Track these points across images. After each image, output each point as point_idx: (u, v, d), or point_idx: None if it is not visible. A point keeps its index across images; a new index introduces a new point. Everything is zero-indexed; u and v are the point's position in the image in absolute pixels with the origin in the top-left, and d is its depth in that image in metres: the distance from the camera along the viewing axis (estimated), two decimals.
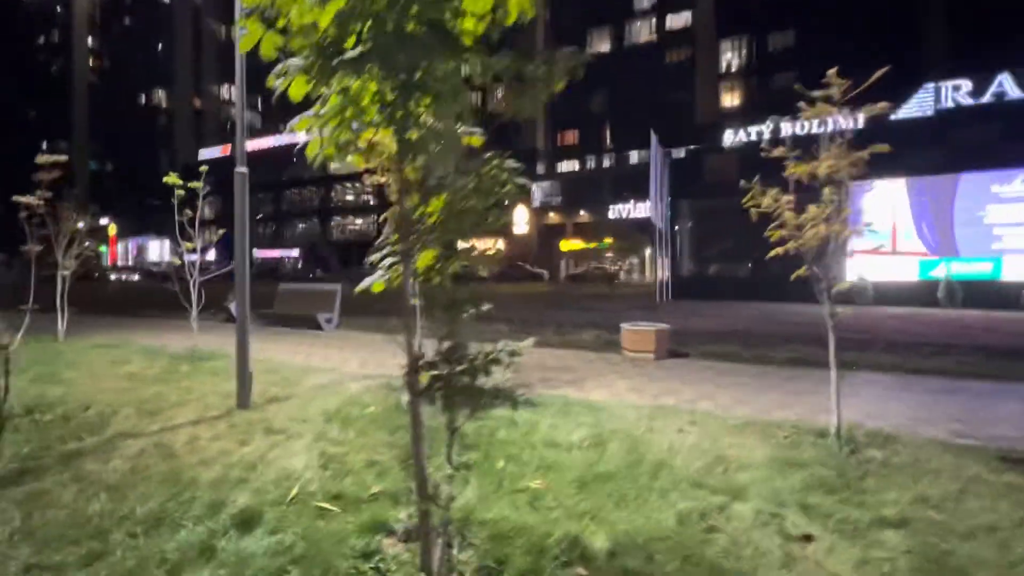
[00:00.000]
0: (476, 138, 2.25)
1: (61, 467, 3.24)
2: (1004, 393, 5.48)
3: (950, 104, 19.13)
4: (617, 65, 42.55)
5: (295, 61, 1.91)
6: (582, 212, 44.47)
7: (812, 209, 3.55)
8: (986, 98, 18.83)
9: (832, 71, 3.38)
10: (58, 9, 68.35)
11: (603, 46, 45.82)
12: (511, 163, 2.08)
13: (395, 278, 2.12)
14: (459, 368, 1.88)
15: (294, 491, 2.84)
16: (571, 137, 48.14)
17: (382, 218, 5.13)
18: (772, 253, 3.87)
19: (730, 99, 42.13)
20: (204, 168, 6.83)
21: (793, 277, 3.82)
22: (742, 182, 3.99)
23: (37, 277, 5.89)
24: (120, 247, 60.01)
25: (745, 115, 33.07)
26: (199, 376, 5.98)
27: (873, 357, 7.29)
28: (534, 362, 6.80)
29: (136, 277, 43.20)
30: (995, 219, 16.53)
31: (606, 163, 46.80)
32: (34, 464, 3.29)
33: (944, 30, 32.43)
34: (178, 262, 7.24)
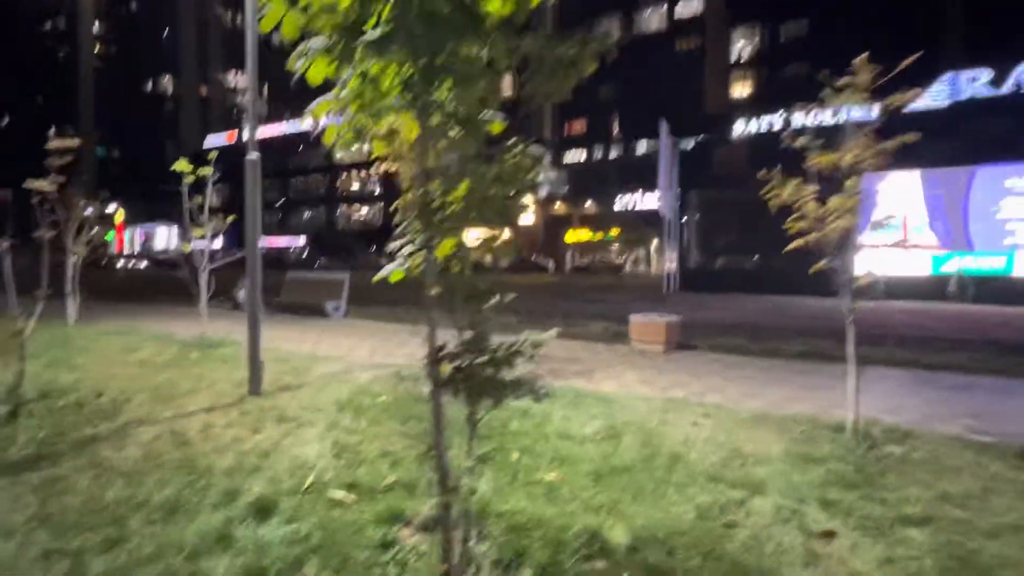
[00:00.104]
0: (498, 124, 2.19)
1: (76, 453, 3.25)
2: (1018, 389, 5.41)
3: (968, 95, 18.75)
4: (626, 54, 42.01)
5: (316, 42, 1.85)
6: (588, 203, 44.23)
7: (835, 200, 3.47)
8: (1005, 89, 18.42)
9: (862, 56, 3.28)
10: None
11: (612, 34, 45.26)
12: (535, 149, 2.02)
13: (414, 267, 2.08)
14: (482, 359, 1.84)
15: (309, 480, 2.83)
16: (579, 127, 47.72)
17: (393, 207, 5.09)
18: (792, 245, 3.80)
19: (740, 89, 41.56)
20: (213, 154, 6.79)
21: (813, 270, 3.75)
22: (761, 172, 3.90)
23: (49, 263, 5.90)
24: (127, 234, 60.27)
25: (755, 106, 32.61)
26: (209, 363, 6.00)
27: (885, 352, 7.21)
28: (542, 352, 6.78)
29: (143, 264, 43.43)
30: (1009, 213, 16.27)
31: (613, 153, 46.40)
32: (49, 450, 3.29)
33: (961, 20, 31.75)
34: (188, 249, 7.22)
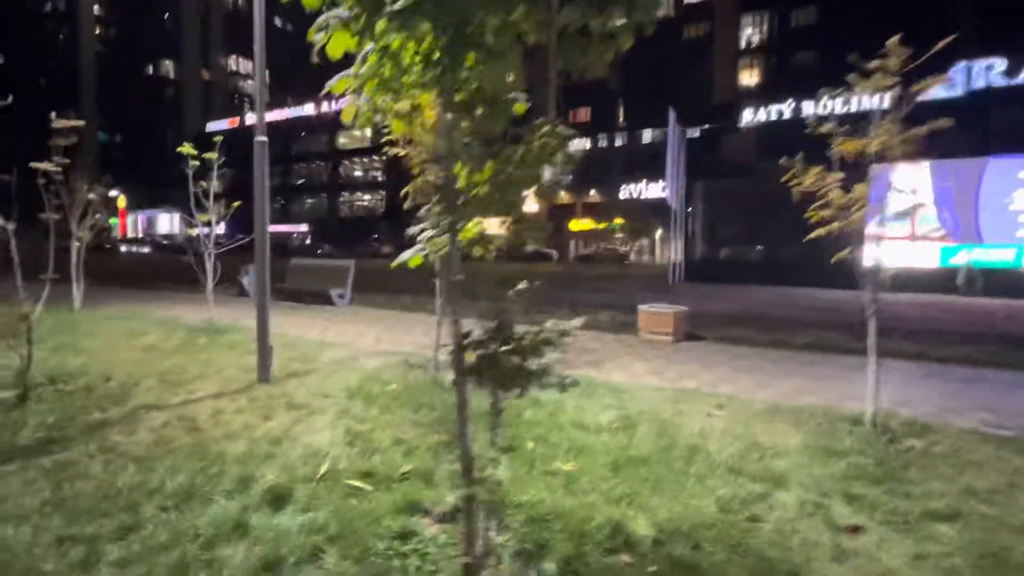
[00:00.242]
0: (521, 104, 2.10)
1: (87, 438, 3.21)
2: None
3: (981, 85, 18.41)
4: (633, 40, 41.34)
5: (336, 13, 1.76)
6: (592, 192, 43.90)
7: (860, 188, 3.37)
8: (1021, 79, 18.07)
9: (894, 39, 3.16)
10: None
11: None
12: (563, 129, 1.94)
13: (435, 252, 2.01)
14: (508, 347, 1.78)
15: (324, 468, 2.79)
16: (583, 115, 47.19)
17: (403, 192, 4.99)
18: (814, 234, 3.71)
19: (748, 77, 40.96)
20: (218, 138, 6.68)
21: (835, 259, 3.66)
22: (782, 159, 3.80)
23: (54, 247, 5.84)
24: (130, 219, 60.17)
25: (764, 94, 32.17)
26: (216, 349, 5.96)
27: (895, 344, 7.14)
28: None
29: (146, 249, 43.42)
30: (1021, 205, 16.07)
31: (618, 142, 45.95)
32: (59, 434, 3.26)
33: (974, 9, 31.13)
34: (194, 233, 7.15)
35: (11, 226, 4.18)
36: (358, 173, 57.75)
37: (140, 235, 56.79)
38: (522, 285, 1.86)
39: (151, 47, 66.63)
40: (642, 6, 1.49)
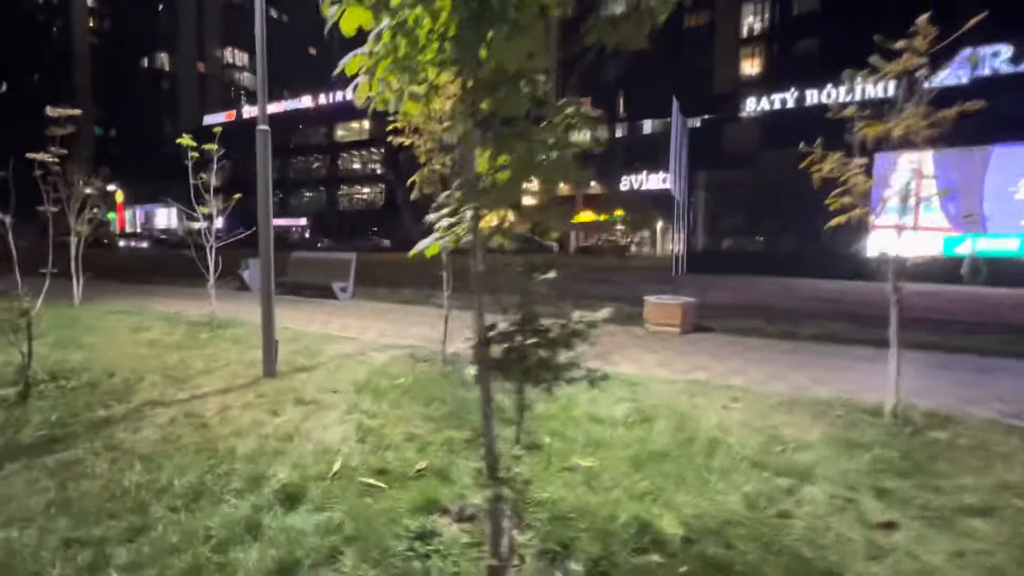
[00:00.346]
0: (542, 84, 1.99)
1: (91, 435, 3.13)
2: None
3: (987, 72, 18.21)
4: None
5: None
6: (592, 183, 43.65)
7: (886, 174, 3.26)
8: None
9: (923, 17, 3.04)
10: None
11: (617, 8, 44.01)
12: (589, 110, 1.83)
13: (455, 240, 1.91)
14: (535, 340, 1.68)
15: (336, 466, 2.71)
16: (584, 105, 46.78)
17: (409, 182, 4.87)
18: (834, 222, 3.62)
19: (750, 66, 40.60)
20: (218, 129, 6.54)
21: (854, 249, 3.57)
22: (801, 145, 3.69)
23: (52, 241, 5.73)
24: (128, 214, 59.88)
25: (766, 83, 31.86)
26: (220, 343, 5.87)
27: (904, 335, 7.07)
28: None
29: (145, 244, 43.23)
30: None
31: (619, 133, 45.63)
32: (63, 432, 3.18)
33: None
34: (195, 227, 7.03)
35: (8, 220, 4.07)
36: (356, 166, 57.41)
37: (138, 230, 56.55)
38: (550, 275, 1.76)
39: (146, 39, 65.96)
40: None
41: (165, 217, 57.57)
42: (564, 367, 1.74)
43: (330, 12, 1.69)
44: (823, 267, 17.31)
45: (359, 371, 4.74)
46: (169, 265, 16.31)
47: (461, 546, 2.03)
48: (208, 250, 6.98)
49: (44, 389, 3.91)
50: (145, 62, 67.81)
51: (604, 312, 1.90)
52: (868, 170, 3.36)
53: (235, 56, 71.09)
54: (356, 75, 1.96)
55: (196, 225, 7.01)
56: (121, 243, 42.10)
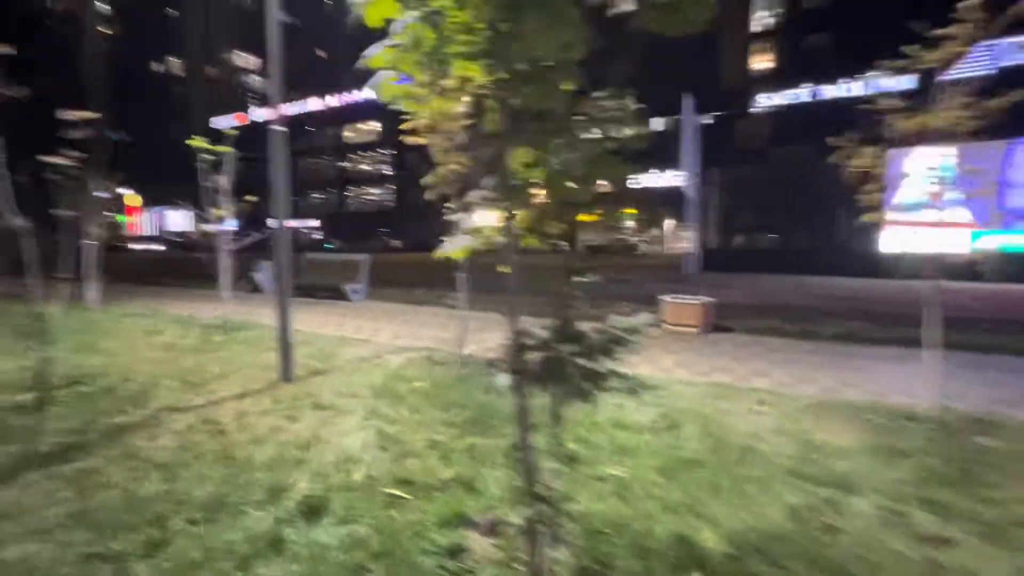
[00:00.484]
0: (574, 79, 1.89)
1: (109, 443, 3.08)
2: None
3: (1010, 62, 17.76)
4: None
5: None
6: (600, 181, 43.40)
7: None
8: None
9: (969, 1, 2.90)
10: None
11: (626, 4, 43.63)
12: (630, 103, 1.73)
13: (485, 241, 1.82)
14: (576, 348, 1.59)
15: (359, 475, 2.63)
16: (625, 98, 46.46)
17: (426, 182, 4.78)
18: (866, 217, 3.48)
19: (761, 62, 40.09)
20: (232, 131, 6.51)
21: (873, 245, 3.43)
22: (830, 139, 3.56)
23: (68, 245, 5.74)
24: (140, 217, 60.58)
25: (777, 78, 31.41)
26: (235, 346, 5.84)
27: (930, 334, 6.87)
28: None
29: (157, 247, 43.69)
30: None
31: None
32: (81, 439, 3.13)
33: None
34: (209, 231, 7.02)
35: (25, 224, 4.05)
36: (366, 167, 57.59)
37: (151, 232, 57.19)
38: (589, 278, 1.66)
39: (157, 45, 66.75)
40: None
41: (179, 220, 58.15)
42: (605, 376, 1.64)
43: (357, 1, 1.60)
44: (838, 264, 17.02)
45: (375, 374, 4.67)
46: (180, 267, 16.42)
47: (494, 563, 1.94)
48: (223, 253, 6.96)
49: (62, 395, 3.87)
50: (155, 67, 68.65)
51: (645, 317, 1.80)
52: (904, 164, 3.21)
53: (245, 60, 71.75)
54: (374, 72, 1.87)
55: (210, 228, 7.00)
56: (135, 246, 42.60)
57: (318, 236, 54.09)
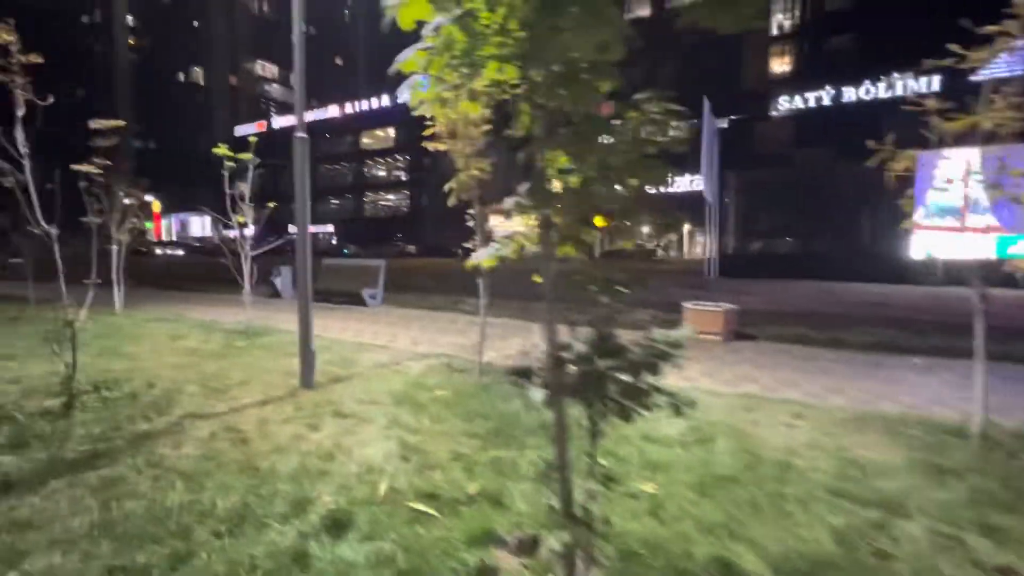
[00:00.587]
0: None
1: (133, 450, 3.07)
2: None
3: None
4: (658, 29, 40.40)
5: None
6: (616, 186, 43.15)
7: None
8: None
9: None
10: None
11: (643, 10, 43.53)
12: (670, 105, 1.65)
13: (517, 250, 1.76)
14: (617, 363, 1.51)
15: (383, 488, 2.57)
16: (607, 108, 46.35)
17: (447, 187, 4.73)
18: (905, 224, 3.33)
19: (780, 64, 39.56)
20: (254, 138, 6.58)
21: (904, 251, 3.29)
22: (870, 142, 3.42)
23: (95, 251, 5.83)
24: (163, 223, 62.02)
25: (797, 81, 30.92)
26: (256, 352, 5.86)
27: (964, 342, 6.61)
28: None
29: (180, 252, 44.60)
30: None
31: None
32: (106, 447, 3.13)
33: None
34: (232, 236, 7.09)
35: (55, 231, 4.10)
36: (382, 173, 58.21)
37: (174, 238, 58.50)
38: (628, 288, 1.58)
39: (181, 55, 68.55)
40: None
41: (200, 226, 59.36)
42: (647, 392, 1.56)
43: (389, 3, 1.56)
44: (859, 270, 16.56)
45: (395, 382, 4.62)
46: (202, 272, 16.69)
47: None
48: (244, 258, 7.02)
49: (87, 400, 3.90)
50: (181, 77, 70.48)
51: (686, 329, 1.71)
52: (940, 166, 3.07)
53: (266, 69, 73.28)
54: (404, 77, 1.82)
55: (231, 233, 7.07)
56: (158, 251, 43.56)
57: (334, 241, 54.78)
